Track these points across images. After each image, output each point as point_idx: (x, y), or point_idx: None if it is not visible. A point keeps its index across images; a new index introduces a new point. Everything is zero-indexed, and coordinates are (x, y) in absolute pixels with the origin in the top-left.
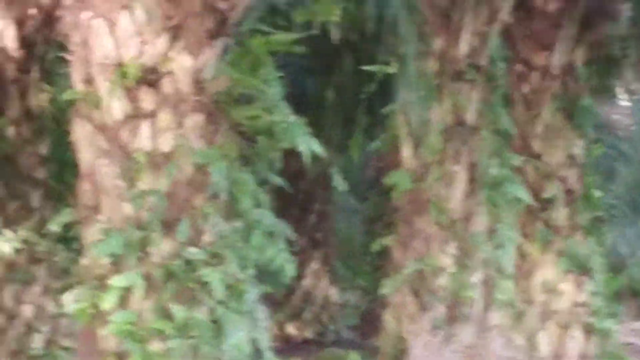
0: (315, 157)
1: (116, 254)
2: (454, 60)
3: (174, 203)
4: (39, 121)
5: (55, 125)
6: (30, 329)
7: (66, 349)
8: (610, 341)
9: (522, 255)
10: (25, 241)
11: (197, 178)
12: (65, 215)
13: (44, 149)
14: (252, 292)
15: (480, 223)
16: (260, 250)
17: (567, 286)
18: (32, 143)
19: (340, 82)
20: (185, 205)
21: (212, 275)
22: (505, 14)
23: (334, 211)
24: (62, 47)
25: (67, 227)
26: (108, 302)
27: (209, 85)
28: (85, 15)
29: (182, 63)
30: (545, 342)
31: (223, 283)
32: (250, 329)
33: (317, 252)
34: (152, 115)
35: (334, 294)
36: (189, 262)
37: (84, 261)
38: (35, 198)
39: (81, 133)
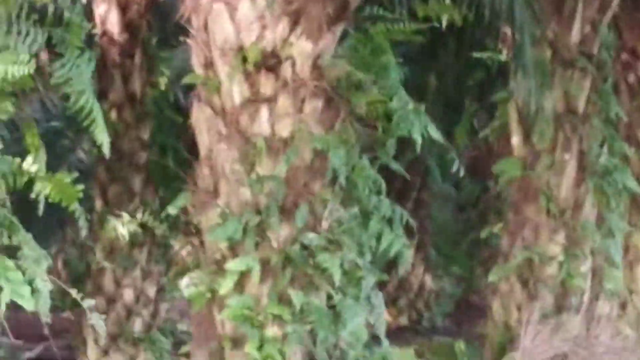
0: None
1: (234, 239)
2: (565, 47)
3: (292, 188)
4: (141, 106)
5: (156, 110)
6: (130, 312)
7: (165, 332)
8: None
9: (627, 245)
10: (142, 225)
11: (316, 164)
12: (183, 199)
13: (145, 133)
14: (369, 279)
15: (590, 212)
16: (378, 237)
17: None
18: (134, 127)
19: (443, 69)
20: (304, 191)
21: (330, 261)
22: (615, 3)
23: (429, 198)
24: (165, 32)
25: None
26: (225, 286)
27: (328, 71)
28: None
29: (301, 48)
30: None
31: (341, 269)
32: (367, 315)
33: (412, 239)
34: (271, 100)
35: (428, 281)
36: (306, 248)
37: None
38: (137, 182)
39: (200, 117)
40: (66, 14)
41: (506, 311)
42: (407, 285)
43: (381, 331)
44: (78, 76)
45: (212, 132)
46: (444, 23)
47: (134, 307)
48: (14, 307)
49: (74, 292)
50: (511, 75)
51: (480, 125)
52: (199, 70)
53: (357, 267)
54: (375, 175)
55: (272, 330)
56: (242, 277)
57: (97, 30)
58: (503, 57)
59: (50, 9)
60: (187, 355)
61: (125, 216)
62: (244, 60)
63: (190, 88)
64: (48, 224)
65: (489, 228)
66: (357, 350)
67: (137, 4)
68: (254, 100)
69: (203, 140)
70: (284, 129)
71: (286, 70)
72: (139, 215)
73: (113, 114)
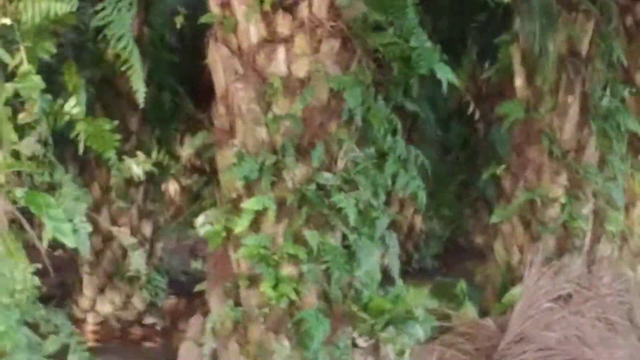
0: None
1: (250, 178)
2: None
3: (309, 128)
4: (139, 45)
5: (153, 49)
6: (126, 251)
7: (160, 271)
8: None
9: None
10: (156, 164)
11: (332, 104)
12: (199, 139)
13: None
14: (384, 219)
15: (592, 154)
16: (393, 178)
17: None
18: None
19: (444, 10)
20: (320, 131)
21: (346, 201)
22: None
23: (417, 141)
24: None
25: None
26: (241, 225)
27: (345, 11)
28: None
29: None
30: None
31: (356, 209)
32: (382, 255)
33: None
34: (288, 40)
35: (418, 222)
36: (322, 188)
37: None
38: (134, 122)
39: (217, 56)
40: None
41: (508, 252)
42: (397, 226)
43: (395, 271)
44: (118, 20)
45: (229, 71)
46: None
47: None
48: None
49: (115, 230)
50: (515, 17)
51: (481, 68)
52: (215, 9)
53: (372, 207)
54: (391, 115)
55: (287, 270)
56: (258, 216)
57: None
58: None
59: None
60: (203, 293)
61: (141, 155)
62: (261, 0)
63: (183, 29)
64: None
65: (492, 169)
66: (371, 289)
67: None
68: (271, 40)
69: (219, 79)
70: (301, 69)
71: (303, 10)
72: (153, 154)
73: (110, 53)
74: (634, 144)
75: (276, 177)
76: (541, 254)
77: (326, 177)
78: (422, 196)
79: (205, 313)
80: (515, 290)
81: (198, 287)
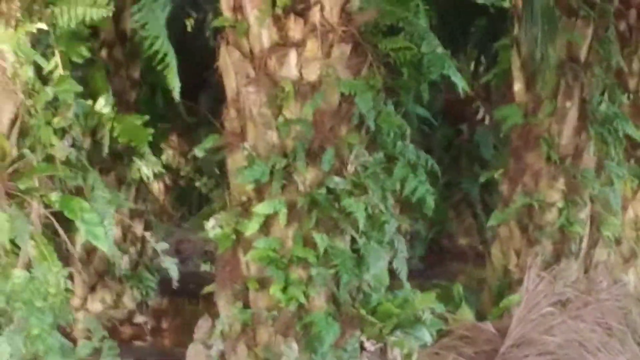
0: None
1: (260, 181)
2: None
3: (319, 132)
4: (132, 45)
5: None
6: (117, 250)
7: (151, 270)
8: None
9: None
10: (166, 166)
11: (343, 108)
12: (210, 141)
13: (135, 72)
14: (392, 223)
15: (590, 159)
16: (402, 182)
17: None
18: (124, 66)
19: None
20: (330, 135)
21: (355, 205)
22: None
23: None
24: None
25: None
26: (251, 228)
27: (356, 16)
28: None
29: None
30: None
31: (365, 213)
32: (390, 259)
33: None
34: (299, 44)
35: (403, 224)
36: (332, 192)
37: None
38: None
39: (228, 60)
40: None
41: (505, 256)
42: None
43: (403, 275)
44: (153, 21)
45: (240, 75)
46: None
47: (121, 244)
48: None
49: (147, 235)
50: (515, 22)
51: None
52: (227, 13)
53: (381, 211)
54: (401, 120)
55: (296, 273)
56: (268, 220)
57: None
58: (506, 3)
59: None
60: (210, 295)
61: (150, 157)
62: (274, 4)
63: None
64: None
65: (489, 173)
66: (379, 293)
67: None
68: (283, 44)
69: (230, 82)
70: (312, 73)
71: (315, 15)
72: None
73: (104, 53)
74: (626, 149)
75: (286, 181)
76: (536, 258)
77: (336, 181)
78: (430, 201)
79: (214, 315)
80: (513, 295)
81: (206, 290)
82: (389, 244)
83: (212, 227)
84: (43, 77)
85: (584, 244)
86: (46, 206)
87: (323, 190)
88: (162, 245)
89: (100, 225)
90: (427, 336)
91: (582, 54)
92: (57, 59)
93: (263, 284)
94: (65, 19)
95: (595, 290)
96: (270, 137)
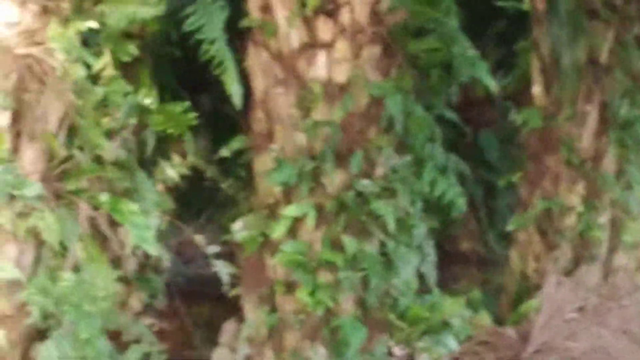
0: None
1: (288, 184)
2: None
3: (348, 134)
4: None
5: (155, 48)
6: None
7: (157, 272)
8: None
9: None
10: (191, 167)
11: (372, 110)
12: (237, 142)
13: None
14: (422, 227)
15: (610, 163)
16: (432, 185)
17: None
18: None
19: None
20: (359, 137)
21: (384, 209)
22: None
23: None
24: None
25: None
26: (278, 231)
27: (386, 17)
28: None
29: None
30: None
31: (394, 216)
32: (419, 263)
33: None
34: (329, 45)
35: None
36: (361, 195)
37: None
38: None
39: (256, 61)
40: None
41: (524, 261)
42: None
43: (432, 280)
44: (210, 24)
45: (268, 76)
46: None
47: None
48: None
49: (198, 239)
50: (535, 24)
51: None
52: (255, 13)
53: (410, 215)
54: (430, 122)
55: (324, 276)
56: (296, 223)
57: None
58: (525, 5)
59: None
60: (237, 298)
61: (176, 159)
62: (303, 4)
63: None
64: None
65: (508, 177)
66: (408, 298)
67: None
68: (312, 45)
69: (258, 83)
70: (341, 75)
71: (344, 15)
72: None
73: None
74: None
75: (315, 183)
76: (555, 262)
77: (365, 184)
78: (462, 204)
79: (239, 319)
80: (533, 300)
81: (232, 293)
82: (418, 248)
83: (239, 229)
84: (92, 77)
85: (604, 249)
86: (94, 208)
87: (351, 193)
88: (213, 249)
89: (148, 229)
90: (452, 343)
91: (603, 57)
92: (107, 58)
93: (290, 287)
94: (116, 18)
95: (617, 296)
96: (298, 138)
